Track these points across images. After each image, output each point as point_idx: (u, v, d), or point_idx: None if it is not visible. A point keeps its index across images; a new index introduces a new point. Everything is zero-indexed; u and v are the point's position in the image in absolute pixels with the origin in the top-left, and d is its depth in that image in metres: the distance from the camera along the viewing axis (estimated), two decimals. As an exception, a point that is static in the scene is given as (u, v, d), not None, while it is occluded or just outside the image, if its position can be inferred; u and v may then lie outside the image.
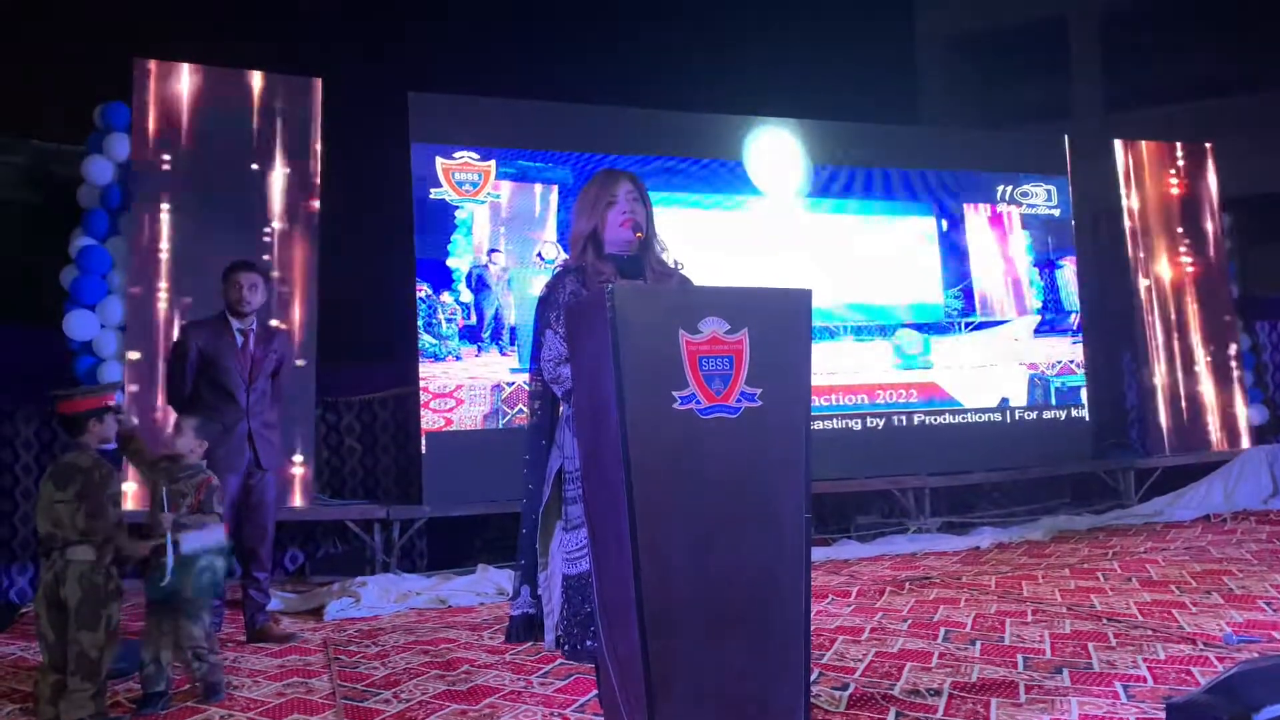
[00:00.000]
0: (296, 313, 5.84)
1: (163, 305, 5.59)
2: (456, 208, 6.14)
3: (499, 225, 6.23)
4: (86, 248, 5.54)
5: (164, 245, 5.62)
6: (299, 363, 5.59)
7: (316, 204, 5.96)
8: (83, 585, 2.83)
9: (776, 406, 2.18)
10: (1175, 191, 8.18)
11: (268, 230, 5.85)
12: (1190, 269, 8.12)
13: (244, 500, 4.26)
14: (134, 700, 3.25)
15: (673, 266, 3.17)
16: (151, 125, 5.68)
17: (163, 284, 5.60)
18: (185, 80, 5.79)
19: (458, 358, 6.02)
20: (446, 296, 6.04)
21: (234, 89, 5.88)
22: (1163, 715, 2.62)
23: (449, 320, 6.03)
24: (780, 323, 2.23)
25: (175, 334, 4.92)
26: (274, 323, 5.55)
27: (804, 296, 2.26)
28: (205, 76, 5.83)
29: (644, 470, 2.07)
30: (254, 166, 5.87)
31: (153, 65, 5.74)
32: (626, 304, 2.11)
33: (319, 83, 6.07)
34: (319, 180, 5.99)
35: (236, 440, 4.20)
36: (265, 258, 5.72)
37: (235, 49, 6.08)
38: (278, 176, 5.91)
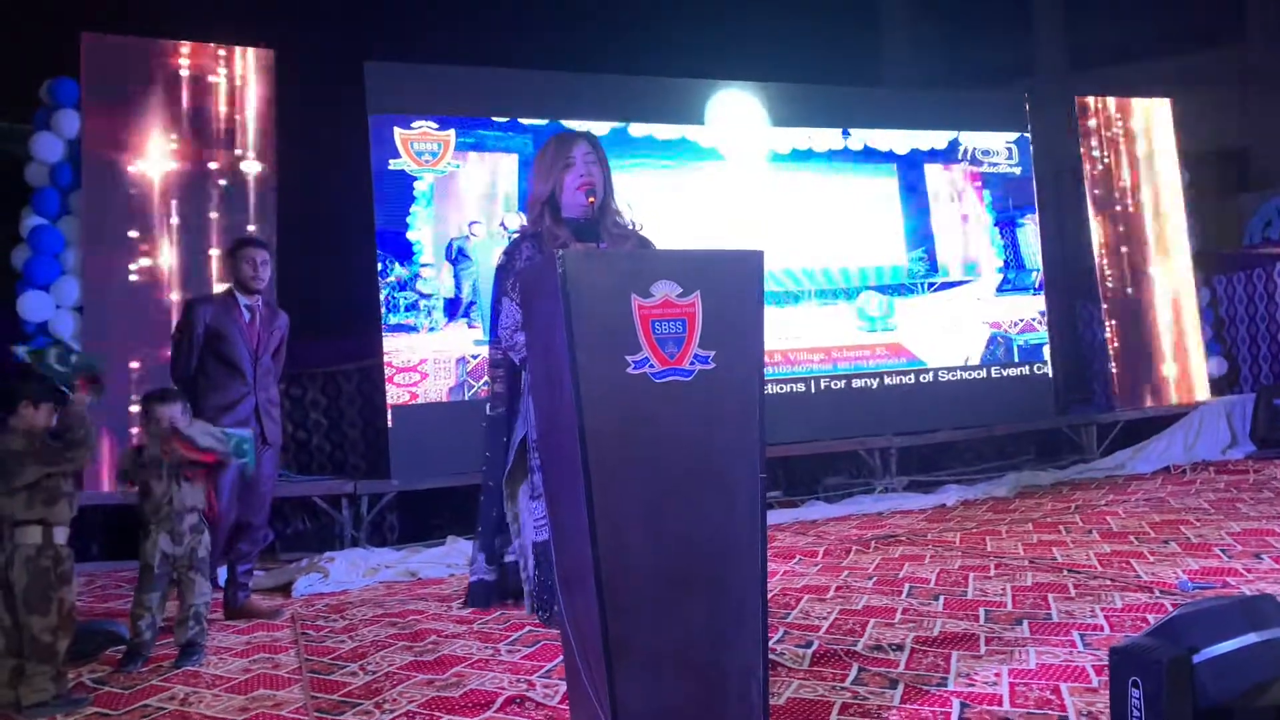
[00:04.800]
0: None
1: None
2: (416, 178, 6.08)
3: (466, 195, 6.18)
4: (38, 227, 5.44)
5: (119, 222, 5.53)
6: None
7: (274, 177, 5.88)
8: (29, 569, 2.79)
9: (730, 369, 2.18)
10: (1135, 147, 8.24)
11: (224, 204, 5.77)
12: (1150, 225, 8.20)
13: (244, 475, 4.23)
14: (115, 662, 3.36)
15: (631, 228, 3.17)
16: (102, 101, 5.57)
17: (119, 262, 5.52)
18: (136, 54, 5.67)
19: (432, 329, 5.99)
20: (406, 269, 5.99)
21: (187, 62, 5.77)
22: (1117, 662, 2.68)
23: (415, 292, 5.98)
24: (732, 285, 2.22)
25: (180, 309, 4.87)
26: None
27: (755, 258, 2.25)
28: (157, 50, 5.72)
29: (598, 435, 2.07)
30: (209, 140, 5.77)
31: (102, 39, 5.62)
32: (577, 269, 2.09)
33: (272, 54, 5.97)
34: (275, 153, 5.90)
35: (243, 415, 4.18)
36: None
37: (188, 21, 5.95)
38: (233, 149, 5.82)
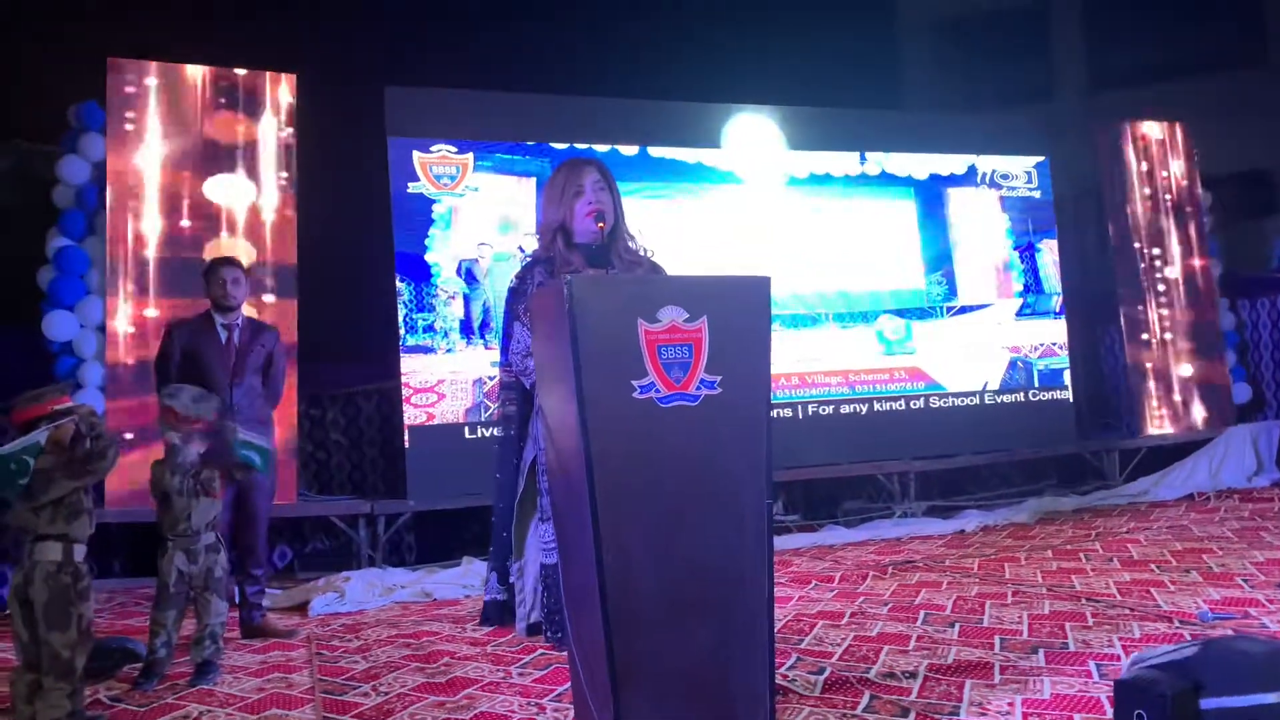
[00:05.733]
0: (277, 308, 5.83)
1: (144, 305, 5.59)
2: (434, 201, 6.13)
3: (484, 218, 6.22)
4: (63, 248, 5.53)
5: (142, 244, 5.61)
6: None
7: (293, 199, 5.95)
8: (49, 585, 2.82)
9: (736, 393, 2.19)
10: (1156, 170, 8.19)
11: (245, 226, 5.84)
12: (1173, 248, 8.13)
13: (236, 498, 4.26)
14: (131, 679, 3.41)
15: (642, 254, 3.19)
16: (126, 124, 5.66)
17: (141, 283, 5.60)
18: (160, 78, 5.76)
19: (449, 350, 6.02)
20: (423, 290, 6.03)
21: (210, 85, 5.86)
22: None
23: (430, 313, 6.02)
24: (739, 310, 2.23)
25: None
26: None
27: (762, 284, 2.26)
28: (180, 74, 5.82)
29: (604, 459, 2.08)
30: (232, 163, 5.85)
31: (127, 64, 5.72)
32: (584, 294, 2.11)
33: (293, 78, 6.05)
34: (296, 176, 5.98)
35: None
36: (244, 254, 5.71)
37: (211, 46, 6.06)
38: (254, 172, 5.90)
